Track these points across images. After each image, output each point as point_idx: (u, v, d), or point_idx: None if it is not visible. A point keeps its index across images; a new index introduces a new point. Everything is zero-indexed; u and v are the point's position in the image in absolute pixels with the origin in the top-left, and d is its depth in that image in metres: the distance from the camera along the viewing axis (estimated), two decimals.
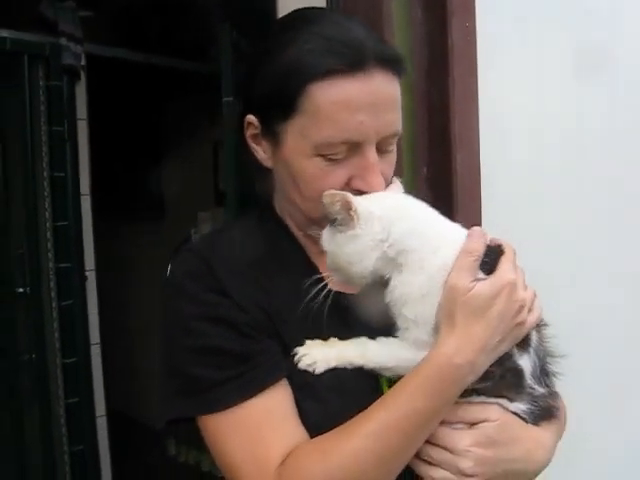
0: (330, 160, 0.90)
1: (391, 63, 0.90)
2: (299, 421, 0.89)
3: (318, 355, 0.89)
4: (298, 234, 1.02)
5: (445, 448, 0.86)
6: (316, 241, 0.94)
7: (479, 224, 1.55)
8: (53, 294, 2.61)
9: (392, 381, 0.89)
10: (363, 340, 0.91)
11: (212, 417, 0.88)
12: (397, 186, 0.94)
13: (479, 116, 1.60)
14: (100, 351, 2.89)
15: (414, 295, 0.86)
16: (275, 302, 0.93)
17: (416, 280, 0.86)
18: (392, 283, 0.88)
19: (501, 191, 1.62)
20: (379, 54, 0.88)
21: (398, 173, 1.17)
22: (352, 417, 0.86)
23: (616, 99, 1.78)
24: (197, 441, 3.23)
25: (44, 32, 2.57)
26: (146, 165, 4.23)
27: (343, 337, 0.92)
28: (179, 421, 0.93)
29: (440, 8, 1.57)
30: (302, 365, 0.89)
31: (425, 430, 0.85)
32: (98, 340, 2.85)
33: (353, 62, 0.86)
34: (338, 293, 0.92)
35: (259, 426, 0.87)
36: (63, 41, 2.63)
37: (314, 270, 0.96)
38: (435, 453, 0.87)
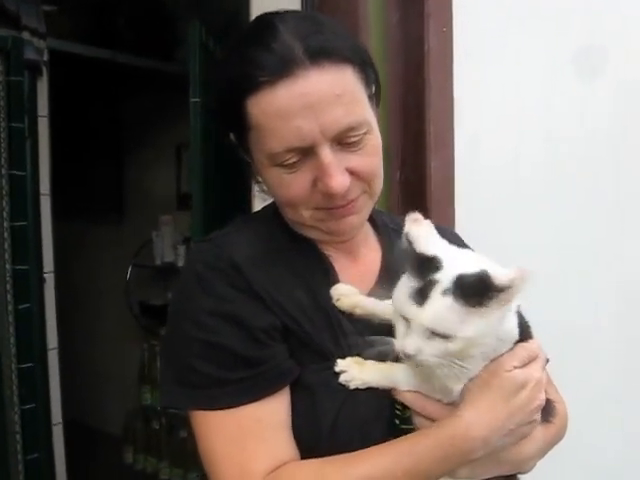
0: (288, 168, 0.89)
1: (326, 55, 0.86)
2: (291, 435, 0.89)
3: (356, 374, 0.88)
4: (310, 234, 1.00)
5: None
6: (313, 227, 0.96)
7: (453, 228, 1.55)
8: (9, 297, 2.51)
9: (403, 414, 0.89)
10: (394, 367, 0.89)
11: (204, 413, 0.88)
12: (428, 224, 0.84)
13: (454, 120, 1.60)
14: (58, 356, 2.80)
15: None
16: (298, 299, 0.92)
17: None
18: None
19: (475, 196, 1.62)
20: (308, 50, 0.85)
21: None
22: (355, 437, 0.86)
23: (590, 101, 1.79)
24: (155, 448, 3.18)
25: (6, 26, 2.50)
26: (107, 165, 4.15)
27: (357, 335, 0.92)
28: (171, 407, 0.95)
29: (417, 12, 1.57)
30: (341, 380, 0.88)
31: None
32: (56, 345, 2.76)
33: (278, 68, 0.84)
34: None
35: (250, 434, 0.86)
36: (26, 35, 2.57)
37: (329, 266, 0.98)
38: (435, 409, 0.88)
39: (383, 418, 0.89)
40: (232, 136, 0.97)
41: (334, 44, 0.88)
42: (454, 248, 0.85)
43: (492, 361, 0.84)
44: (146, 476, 3.74)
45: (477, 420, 0.83)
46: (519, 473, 0.96)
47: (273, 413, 0.88)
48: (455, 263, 0.79)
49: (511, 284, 0.74)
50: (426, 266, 0.79)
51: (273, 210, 1.02)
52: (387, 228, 1.09)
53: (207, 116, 2.20)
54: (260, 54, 0.85)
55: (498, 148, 1.68)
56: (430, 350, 0.78)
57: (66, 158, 3.21)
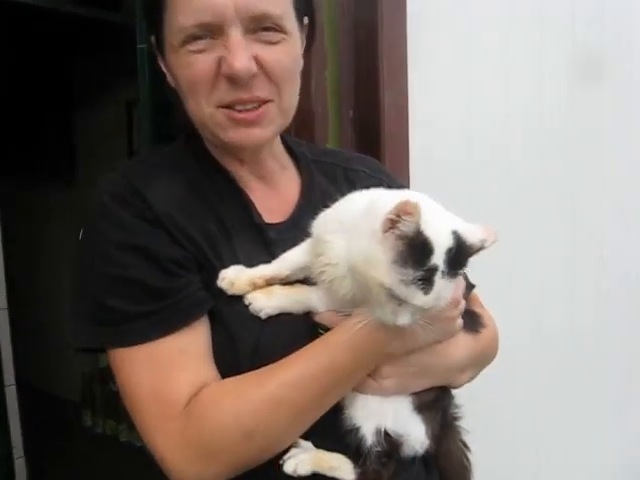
0: (195, 46, 0.86)
1: None
2: (212, 362, 0.87)
3: (262, 303, 0.87)
4: (225, 161, 0.98)
5: None
6: (242, 165, 0.95)
7: (406, 169, 1.53)
8: None
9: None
10: (305, 290, 0.89)
11: (121, 350, 0.85)
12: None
13: (407, 56, 1.56)
14: (7, 318, 2.71)
15: None
16: (206, 229, 0.89)
17: None
18: None
19: (429, 131, 1.60)
20: None
21: (323, 116, 1.11)
22: (282, 356, 0.84)
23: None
24: (114, 412, 3.15)
25: None
26: (55, 123, 4.02)
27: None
28: (89, 350, 0.89)
29: None
30: (251, 310, 0.86)
31: (341, 386, 0.85)
32: (5, 305, 2.68)
33: None
34: (265, 226, 0.94)
35: (169, 365, 0.84)
36: None
37: (245, 200, 0.95)
38: None
39: (304, 340, 0.86)
40: (153, 40, 0.94)
41: None
42: (435, 211, 0.79)
43: None
44: (105, 438, 3.72)
45: None
46: (452, 387, 0.96)
47: (196, 341, 0.86)
48: (440, 237, 0.75)
49: (484, 245, 0.77)
50: (420, 251, 0.74)
51: (184, 143, 0.99)
52: (306, 159, 1.06)
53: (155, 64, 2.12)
54: None
55: (452, 82, 1.66)
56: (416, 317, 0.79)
57: (12, 113, 3.10)
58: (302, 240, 0.91)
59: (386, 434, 0.87)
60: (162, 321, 0.84)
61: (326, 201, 0.88)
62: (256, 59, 0.87)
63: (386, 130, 1.49)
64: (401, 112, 1.54)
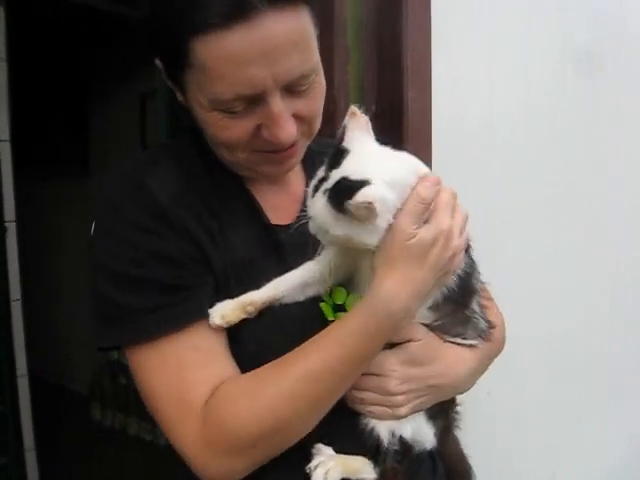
0: (230, 113, 0.83)
1: None
2: (230, 359, 0.87)
3: (226, 310, 0.86)
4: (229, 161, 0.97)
5: (371, 371, 0.87)
6: (240, 169, 0.93)
7: (430, 161, 1.52)
8: None
9: (336, 306, 0.89)
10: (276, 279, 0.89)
11: (137, 348, 0.85)
12: (364, 121, 0.83)
13: (431, 51, 1.55)
14: (21, 309, 2.72)
15: None
16: (213, 231, 0.89)
17: None
18: None
19: (453, 128, 1.60)
20: None
21: (345, 111, 1.10)
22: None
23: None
24: (123, 404, 3.15)
25: None
26: (70, 115, 4.03)
27: (278, 272, 0.89)
28: (109, 349, 0.90)
29: None
30: (213, 323, 0.85)
31: (357, 372, 0.85)
32: (19, 297, 2.68)
33: (232, 12, 0.76)
34: (275, 227, 0.93)
35: (185, 363, 0.84)
36: None
37: (252, 201, 0.95)
38: (362, 378, 0.87)
39: (310, 329, 0.86)
40: (159, 62, 0.89)
41: None
42: (378, 148, 0.83)
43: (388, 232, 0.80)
44: (114, 431, 3.73)
45: (395, 294, 0.81)
46: (459, 393, 0.98)
47: (211, 337, 0.86)
48: (357, 164, 0.78)
49: (354, 209, 0.75)
50: (335, 159, 0.80)
51: (190, 140, 0.98)
52: (311, 152, 1.04)
53: None
54: None
55: (475, 77, 1.65)
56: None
57: (28, 106, 3.10)
58: (312, 241, 0.89)
59: (401, 439, 0.90)
60: (174, 317, 0.84)
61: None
62: (294, 115, 0.85)
63: (410, 125, 1.48)
64: (425, 107, 1.53)
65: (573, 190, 1.97)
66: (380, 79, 1.54)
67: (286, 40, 0.79)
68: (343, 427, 0.88)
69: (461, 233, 0.85)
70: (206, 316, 0.85)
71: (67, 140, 4.05)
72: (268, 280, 0.88)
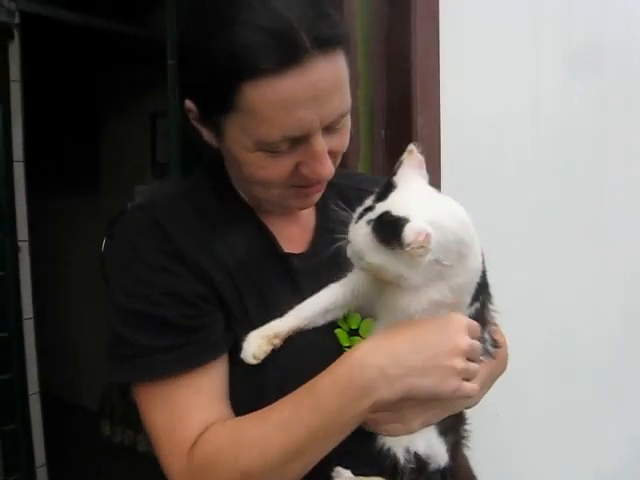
0: (274, 153, 0.86)
1: (332, 43, 0.82)
2: (226, 400, 0.89)
3: (253, 347, 0.88)
4: (246, 195, 0.99)
5: None
6: (264, 204, 0.96)
7: (438, 187, 1.54)
8: None
9: (351, 332, 0.92)
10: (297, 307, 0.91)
11: (142, 385, 0.88)
12: (419, 161, 0.87)
13: (440, 78, 1.58)
14: (33, 326, 2.75)
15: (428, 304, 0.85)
16: (227, 264, 0.91)
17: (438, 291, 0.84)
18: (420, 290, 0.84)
19: (461, 154, 1.62)
20: (317, 38, 0.80)
21: (355, 136, 1.14)
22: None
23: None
24: (133, 422, 3.15)
25: None
26: (81, 134, 4.08)
27: (293, 301, 0.91)
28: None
29: None
30: (246, 360, 0.88)
31: (332, 428, 0.83)
32: (31, 315, 2.71)
33: (286, 58, 0.79)
34: (288, 256, 0.96)
35: (184, 404, 0.87)
36: None
37: (265, 231, 0.97)
38: None
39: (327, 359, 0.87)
40: (190, 103, 0.90)
41: (337, 31, 0.84)
42: (426, 189, 0.87)
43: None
44: (124, 448, 3.75)
45: (372, 348, 0.82)
46: (467, 406, 0.99)
47: (213, 381, 0.88)
48: (402, 201, 0.81)
49: (407, 246, 0.76)
50: (384, 192, 0.84)
51: (206, 173, 1.01)
52: None
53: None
54: (265, 38, 0.79)
55: (483, 107, 1.68)
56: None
57: (40, 125, 3.14)
58: (325, 269, 0.93)
59: (416, 455, 0.90)
60: (182, 359, 0.86)
61: (341, 226, 0.89)
62: (328, 151, 0.88)
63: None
64: (434, 133, 1.56)
65: (581, 197, 1.98)
66: (390, 105, 1.57)
67: (332, 83, 0.83)
68: (360, 450, 0.88)
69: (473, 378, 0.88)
70: (214, 357, 0.88)
71: (78, 159, 4.10)
72: (284, 307, 0.91)
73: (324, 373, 0.83)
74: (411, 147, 0.87)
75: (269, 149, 0.85)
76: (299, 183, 0.90)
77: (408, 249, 0.76)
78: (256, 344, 0.88)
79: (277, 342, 0.88)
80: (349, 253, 0.85)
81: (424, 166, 0.87)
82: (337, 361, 0.83)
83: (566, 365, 2.01)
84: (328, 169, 0.88)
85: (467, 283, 0.86)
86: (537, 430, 1.98)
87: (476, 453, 0.98)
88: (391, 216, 0.79)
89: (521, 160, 1.77)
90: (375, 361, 0.81)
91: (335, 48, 0.83)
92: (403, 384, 0.81)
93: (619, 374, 2.13)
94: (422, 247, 0.76)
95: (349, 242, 0.84)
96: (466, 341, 0.85)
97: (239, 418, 0.87)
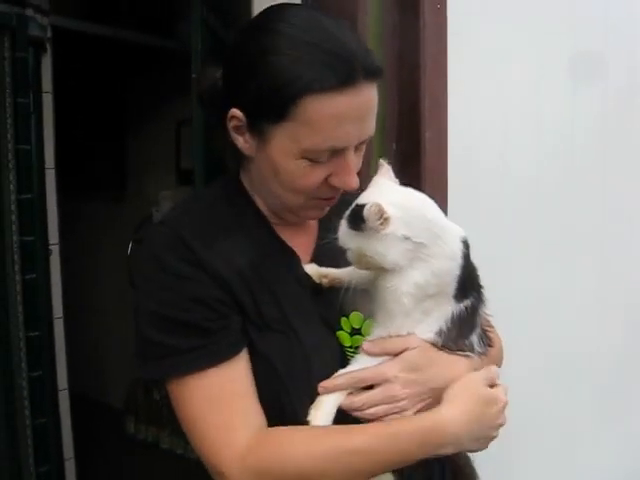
0: (315, 162, 0.97)
1: (377, 74, 0.96)
2: (257, 400, 0.98)
3: (308, 268, 1.06)
4: (263, 208, 1.09)
5: (376, 381, 0.98)
6: (281, 217, 1.08)
7: (445, 198, 1.63)
8: (17, 267, 2.56)
9: (354, 331, 1.03)
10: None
11: (175, 384, 0.97)
12: (387, 170, 1.01)
13: (447, 94, 1.67)
14: (63, 326, 2.86)
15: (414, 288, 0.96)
16: (242, 270, 1.00)
17: (420, 273, 0.96)
18: (405, 272, 0.96)
19: (468, 165, 1.69)
20: (368, 68, 0.94)
21: (368, 148, 1.23)
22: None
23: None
24: (156, 419, 3.22)
25: (10, 3, 2.52)
26: (109, 142, 4.19)
27: (303, 298, 1.04)
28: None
29: None
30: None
31: (393, 464, 0.96)
32: (61, 314, 2.83)
33: (346, 79, 0.91)
34: (298, 259, 1.07)
35: (221, 393, 0.96)
36: (29, 12, 2.57)
37: (281, 243, 1.07)
38: (369, 395, 0.98)
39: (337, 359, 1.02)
40: (237, 112, 0.99)
41: (379, 64, 0.98)
42: (391, 184, 1.00)
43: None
44: (147, 445, 3.84)
45: (454, 418, 0.95)
46: None
47: (242, 371, 0.98)
48: (367, 194, 0.97)
49: (367, 221, 0.91)
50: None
51: (222, 183, 1.12)
52: None
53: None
54: (332, 59, 0.91)
55: (490, 120, 1.75)
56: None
57: (70, 134, 3.25)
58: None
59: None
60: (210, 354, 0.96)
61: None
62: None
63: (426, 164, 1.60)
64: (441, 147, 1.64)
65: (584, 209, 2.04)
66: (400, 121, 1.66)
67: (371, 105, 0.97)
68: None
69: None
70: (237, 352, 0.97)
71: (106, 166, 4.21)
72: (295, 304, 1.03)
73: (407, 421, 0.96)
74: (381, 162, 1.01)
75: (313, 157, 0.96)
76: (322, 195, 1.02)
77: (370, 225, 0.90)
78: (311, 269, 1.05)
79: (325, 281, 1.04)
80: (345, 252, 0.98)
81: (391, 172, 1.01)
82: (422, 417, 0.96)
83: (569, 369, 2.05)
84: (356, 181, 0.99)
85: (448, 269, 0.97)
86: (540, 434, 2.02)
87: (477, 453, 1.04)
88: (357, 205, 0.94)
89: (526, 172, 1.83)
90: (454, 430, 0.94)
91: (376, 78, 0.96)
92: (464, 447, 0.99)
93: (622, 381, 2.16)
94: (381, 221, 0.90)
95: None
96: (505, 418, 1.02)
97: (309, 432, 0.96)
